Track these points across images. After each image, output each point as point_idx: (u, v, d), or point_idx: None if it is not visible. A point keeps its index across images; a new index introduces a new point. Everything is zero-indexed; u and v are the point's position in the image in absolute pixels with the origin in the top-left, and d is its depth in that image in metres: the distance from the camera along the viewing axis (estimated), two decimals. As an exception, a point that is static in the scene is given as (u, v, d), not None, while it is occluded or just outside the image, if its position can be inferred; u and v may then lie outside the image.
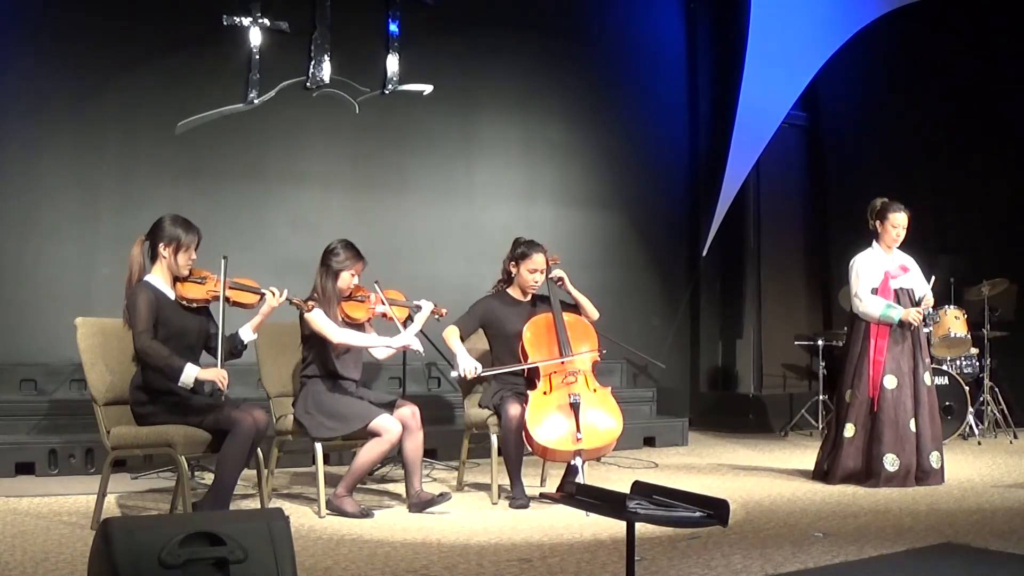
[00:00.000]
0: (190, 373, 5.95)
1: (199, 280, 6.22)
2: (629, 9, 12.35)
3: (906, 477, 7.81)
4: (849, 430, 8.02)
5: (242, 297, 6.29)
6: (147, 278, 6.15)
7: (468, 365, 7.11)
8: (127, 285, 6.15)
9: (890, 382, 7.93)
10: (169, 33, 9.72)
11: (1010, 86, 12.81)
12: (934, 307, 10.85)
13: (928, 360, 8.27)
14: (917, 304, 8.13)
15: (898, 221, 8.07)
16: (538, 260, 7.29)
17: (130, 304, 6.04)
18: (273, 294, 6.34)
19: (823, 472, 8.14)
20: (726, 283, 12.90)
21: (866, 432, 7.96)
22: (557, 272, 7.39)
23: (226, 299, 6.21)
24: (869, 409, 7.97)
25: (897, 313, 7.94)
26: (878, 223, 8.13)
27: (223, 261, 6.23)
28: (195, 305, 6.23)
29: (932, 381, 8.14)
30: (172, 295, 6.16)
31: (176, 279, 6.19)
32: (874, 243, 8.18)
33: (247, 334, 6.38)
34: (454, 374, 7.26)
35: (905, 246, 8.20)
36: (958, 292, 11.49)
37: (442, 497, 6.68)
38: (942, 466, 7.96)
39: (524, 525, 6.37)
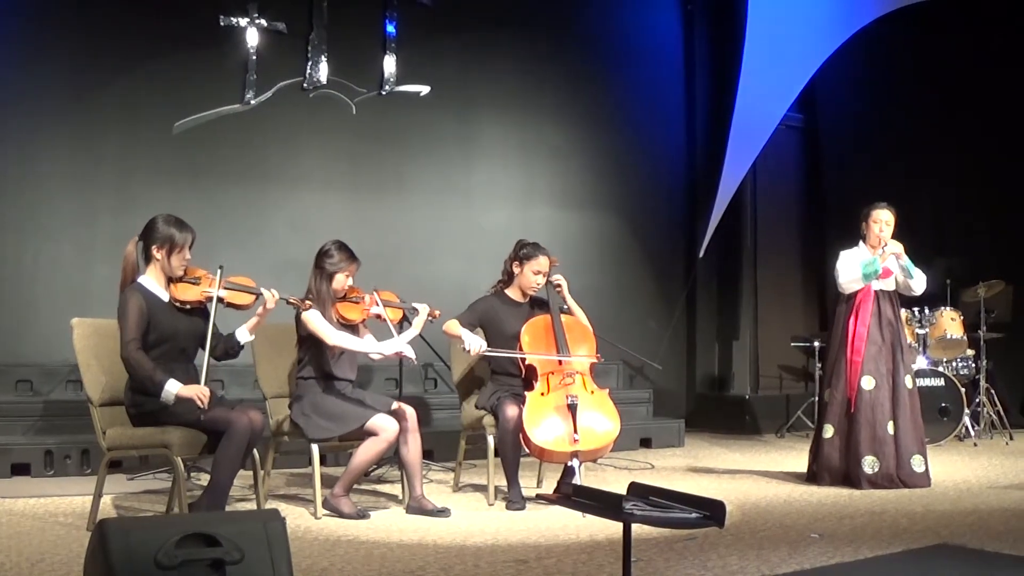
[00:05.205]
0: (170, 390, 5.88)
1: (193, 280, 6.18)
2: (627, 10, 12.36)
3: (889, 481, 7.80)
4: (827, 431, 8.04)
5: (237, 298, 6.24)
6: (140, 279, 6.12)
7: (475, 343, 7.09)
8: (120, 287, 6.13)
9: (867, 383, 7.92)
10: (166, 34, 9.73)
11: (1007, 88, 12.83)
12: (930, 308, 10.96)
13: (911, 362, 8.28)
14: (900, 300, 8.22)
15: (880, 216, 8.07)
16: (543, 262, 7.30)
17: (120, 310, 6.00)
18: (273, 296, 6.31)
19: (813, 474, 8.15)
20: (723, 284, 12.92)
21: (843, 433, 7.96)
22: (558, 276, 7.41)
23: (220, 300, 6.18)
24: (846, 410, 7.96)
25: (875, 261, 7.96)
26: (863, 224, 8.15)
27: (219, 270, 6.20)
28: (189, 307, 6.20)
29: (914, 384, 8.10)
30: (166, 297, 6.13)
31: (170, 280, 6.17)
32: (860, 243, 8.19)
33: (244, 335, 6.36)
34: (461, 347, 7.23)
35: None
36: (954, 294, 11.51)
37: (442, 513, 6.66)
38: (926, 469, 7.93)
39: (520, 526, 6.37)
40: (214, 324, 6.15)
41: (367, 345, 6.90)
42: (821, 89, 12.76)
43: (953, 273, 11.54)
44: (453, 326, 7.21)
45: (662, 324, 12.44)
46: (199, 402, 5.87)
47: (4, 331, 9.11)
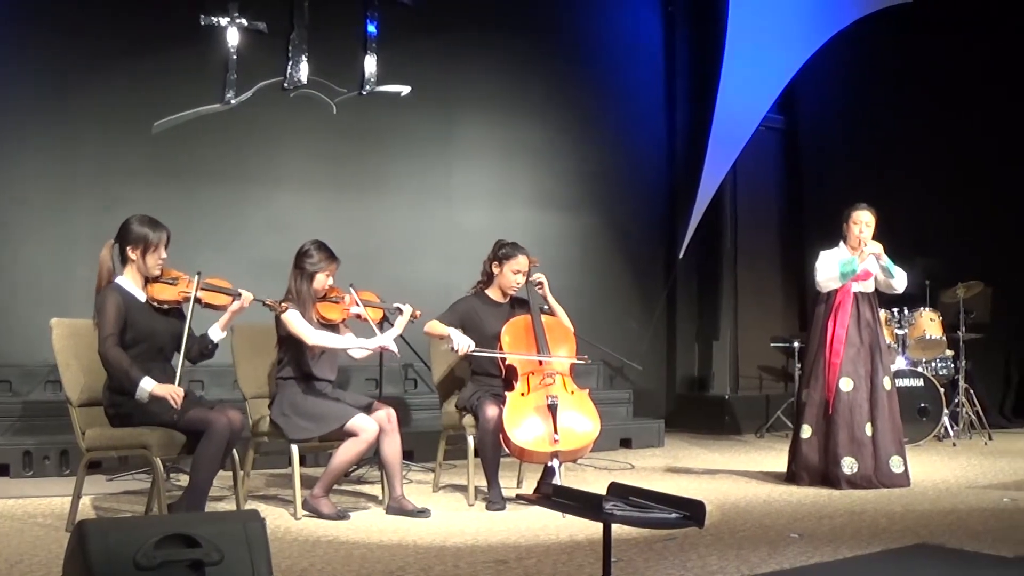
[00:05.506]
0: (145, 388, 5.88)
1: (170, 281, 6.18)
2: (607, 11, 12.38)
3: (868, 482, 7.82)
4: (805, 431, 8.05)
5: (215, 299, 6.25)
6: (117, 280, 6.12)
7: (463, 342, 7.08)
8: (96, 290, 6.12)
9: (846, 384, 7.93)
10: (146, 33, 9.69)
11: (987, 90, 12.88)
12: (909, 309, 10.99)
13: (889, 364, 8.29)
14: (878, 301, 8.25)
15: (860, 218, 8.08)
16: (522, 261, 7.30)
17: (98, 308, 6.01)
18: (243, 297, 6.30)
19: (792, 474, 8.16)
20: (703, 285, 12.95)
21: (821, 434, 7.98)
22: (538, 276, 7.42)
23: (197, 300, 6.17)
24: (824, 411, 7.97)
25: (852, 260, 7.97)
26: (844, 225, 8.16)
27: (197, 276, 6.20)
28: (166, 307, 6.20)
29: (892, 386, 8.11)
30: (143, 297, 6.13)
31: (147, 280, 6.16)
32: (841, 244, 8.20)
33: (216, 333, 6.33)
34: (445, 347, 7.23)
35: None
36: (933, 294, 11.55)
37: (422, 513, 6.65)
38: (905, 470, 7.95)
39: (500, 527, 6.37)
40: (189, 327, 6.15)
41: (348, 342, 6.89)
42: (801, 91, 12.79)
43: (932, 274, 11.57)
44: (436, 326, 7.21)
45: (642, 324, 12.46)
46: (172, 402, 5.86)
47: (-17, 331, 9.09)
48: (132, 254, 6.09)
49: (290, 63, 10.32)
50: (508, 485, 7.39)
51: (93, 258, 6.25)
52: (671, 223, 12.68)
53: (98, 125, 9.61)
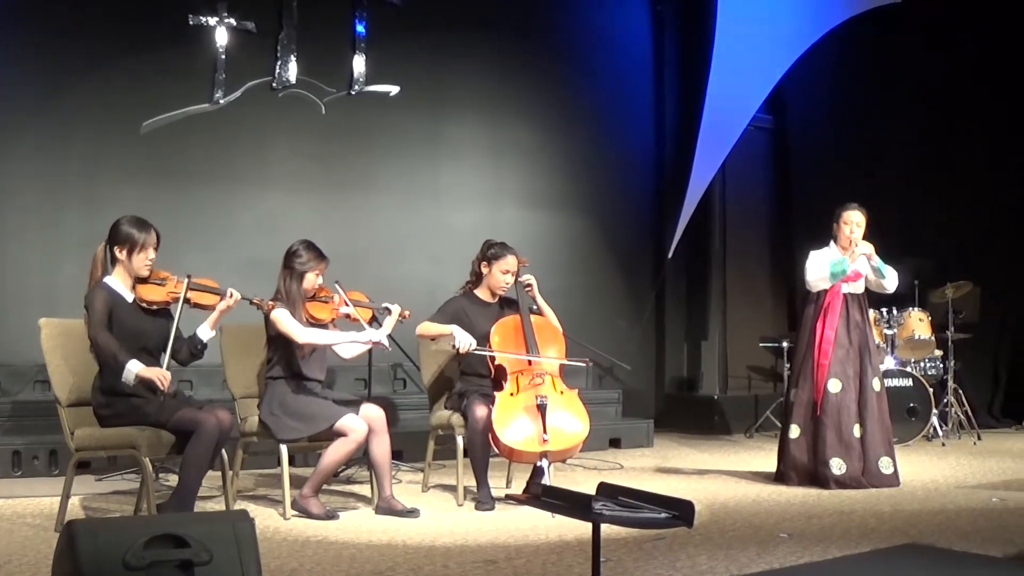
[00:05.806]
0: (132, 370, 5.90)
1: (159, 282, 6.18)
2: (597, 11, 12.37)
3: (856, 483, 7.82)
4: (794, 431, 8.05)
5: (204, 299, 6.26)
6: (106, 279, 6.13)
7: (465, 339, 7.07)
8: (87, 291, 6.12)
9: (834, 386, 7.94)
10: (135, 33, 9.67)
11: (976, 90, 12.89)
12: (898, 309, 11.01)
13: (878, 365, 8.30)
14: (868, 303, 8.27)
15: (850, 218, 8.08)
16: (511, 261, 7.30)
17: (87, 303, 6.04)
18: (231, 295, 6.30)
19: (781, 474, 8.16)
20: (692, 285, 12.95)
21: (809, 434, 7.99)
22: (528, 277, 7.41)
23: (186, 300, 6.17)
24: (812, 412, 7.98)
25: (843, 260, 7.97)
26: (835, 225, 8.16)
27: (187, 279, 6.20)
28: (155, 307, 6.19)
29: (882, 387, 8.11)
30: (130, 297, 6.14)
31: (136, 281, 6.16)
32: (831, 243, 8.20)
33: (205, 332, 6.34)
34: (439, 346, 7.22)
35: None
36: (922, 294, 11.57)
37: (411, 513, 6.65)
38: (895, 471, 7.95)
39: (490, 527, 6.37)
40: (177, 328, 6.15)
41: (339, 337, 6.87)
42: (790, 90, 12.79)
43: (921, 274, 11.58)
44: (431, 327, 7.21)
45: (631, 324, 12.46)
46: (160, 384, 5.88)
47: (-29, 331, 9.06)
48: (120, 254, 6.11)
49: (279, 63, 10.30)
50: (497, 485, 7.39)
51: (82, 258, 6.25)
52: (660, 223, 12.68)
53: (86, 125, 9.58)
